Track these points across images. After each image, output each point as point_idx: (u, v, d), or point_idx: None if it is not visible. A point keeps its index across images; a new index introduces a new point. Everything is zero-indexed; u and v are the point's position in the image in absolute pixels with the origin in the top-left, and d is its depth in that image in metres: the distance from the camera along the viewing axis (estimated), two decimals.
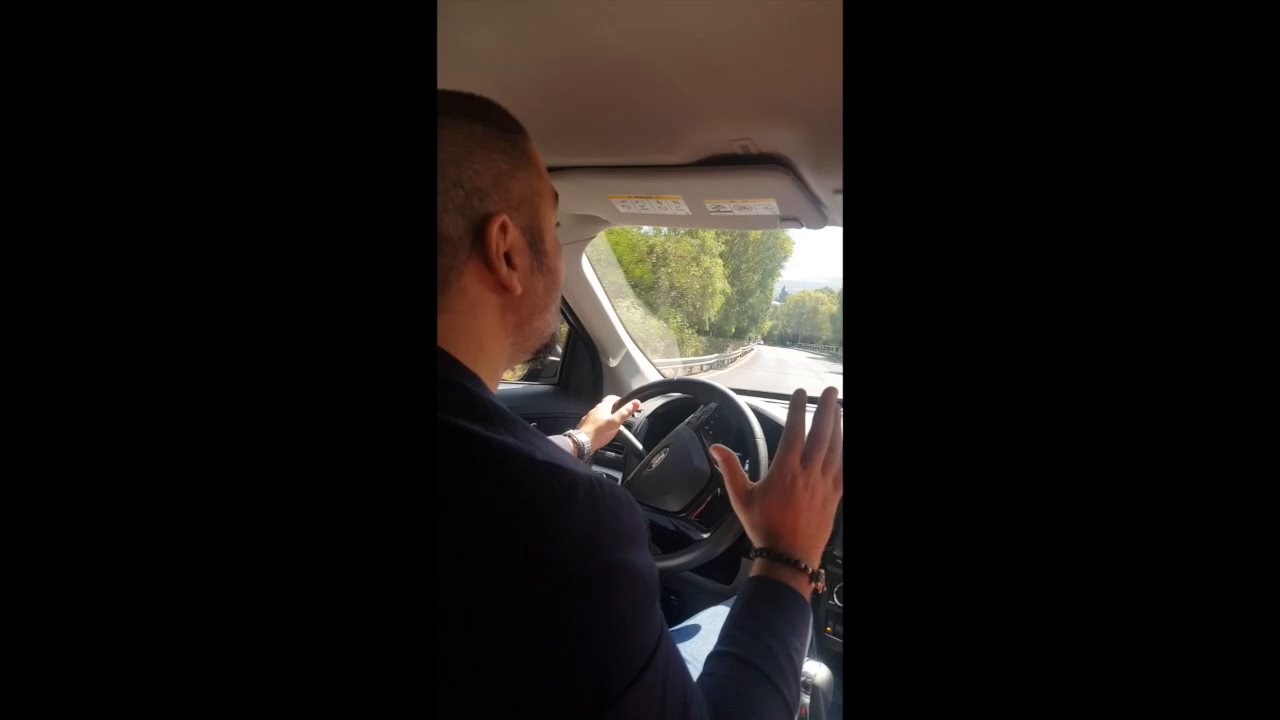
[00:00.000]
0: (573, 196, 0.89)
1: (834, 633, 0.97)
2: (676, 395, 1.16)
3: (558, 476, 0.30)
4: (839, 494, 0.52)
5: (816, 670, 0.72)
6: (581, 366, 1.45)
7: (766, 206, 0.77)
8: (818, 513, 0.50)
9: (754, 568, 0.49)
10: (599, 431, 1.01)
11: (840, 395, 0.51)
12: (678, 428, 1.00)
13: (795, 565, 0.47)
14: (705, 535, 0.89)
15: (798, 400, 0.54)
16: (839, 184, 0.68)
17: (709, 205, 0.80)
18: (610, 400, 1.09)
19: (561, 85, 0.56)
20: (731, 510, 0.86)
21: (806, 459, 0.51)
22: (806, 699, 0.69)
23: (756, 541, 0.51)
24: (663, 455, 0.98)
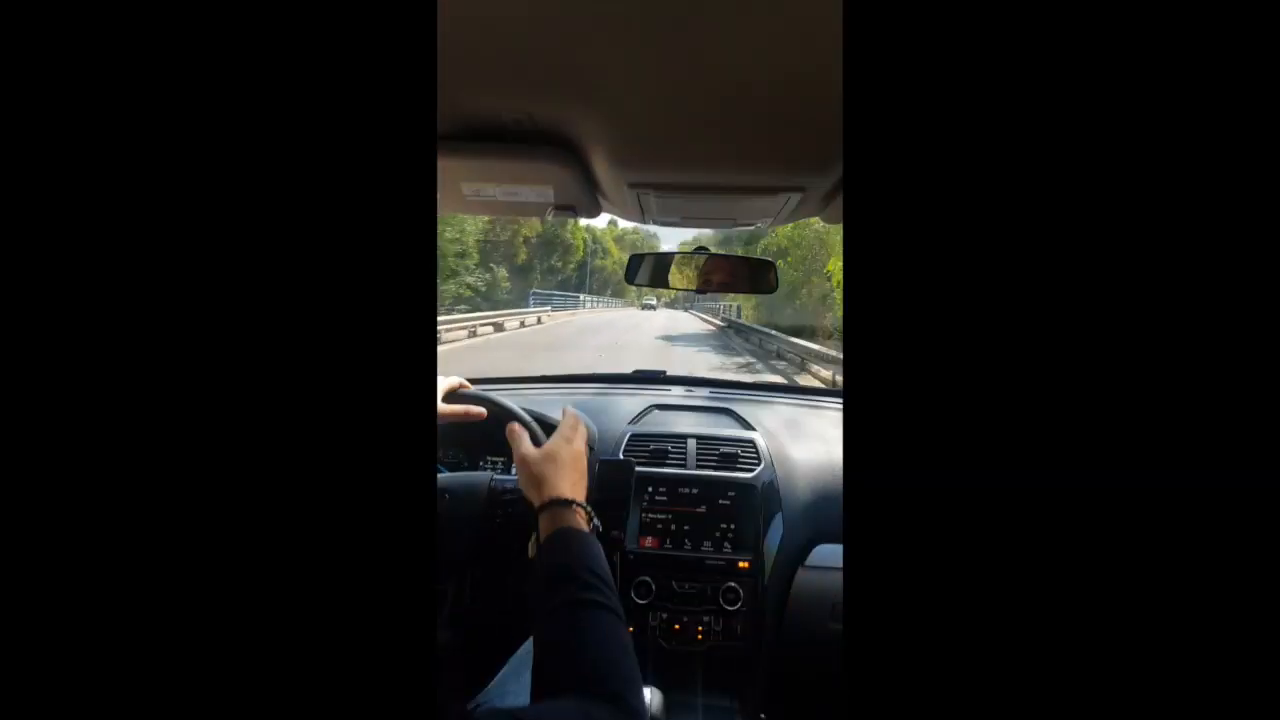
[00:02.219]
0: None
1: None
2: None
3: None
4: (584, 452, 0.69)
5: (651, 696, 0.69)
6: None
7: (540, 193, 0.65)
8: (579, 469, 0.65)
9: (542, 528, 0.58)
10: None
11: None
12: (476, 481, 0.80)
13: (574, 505, 0.59)
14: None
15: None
16: (637, 178, 0.60)
17: (466, 189, 0.64)
18: (450, 381, 0.82)
19: None
20: None
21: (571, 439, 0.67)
22: None
23: (540, 497, 0.60)
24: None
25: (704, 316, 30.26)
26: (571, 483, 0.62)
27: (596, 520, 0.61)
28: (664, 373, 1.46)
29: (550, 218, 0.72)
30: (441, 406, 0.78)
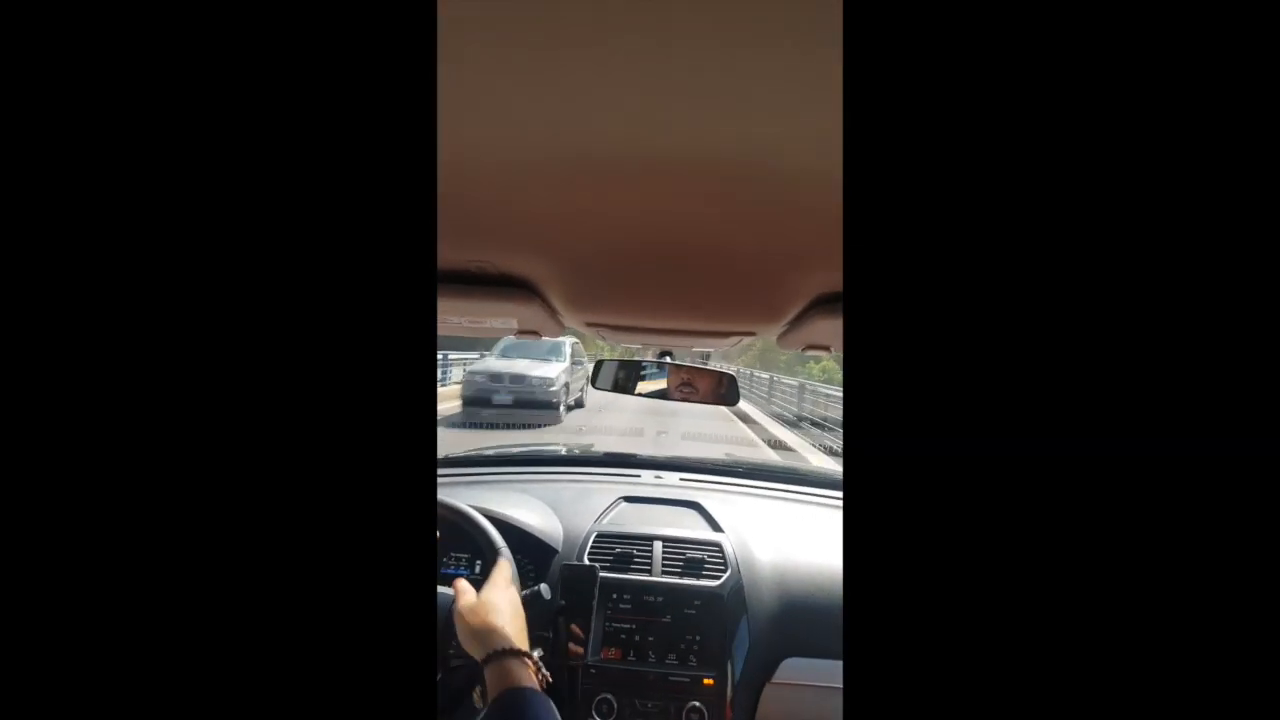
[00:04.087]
0: None
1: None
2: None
3: None
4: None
5: None
6: None
7: (504, 321, 0.68)
8: (517, 613, 0.64)
9: (489, 685, 0.54)
10: None
11: None
12: (439, 601, 0.79)
13: (519, 653, 0.57)
14: None
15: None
16: (592, 319, 0.63)
17: None
18: None
19: None
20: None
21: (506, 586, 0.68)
22: None
23: (485, 648, 0.58)
24: None
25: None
26: (516, 631, 0.60)
27: (545, 671, 0.58)
28: (635, 455, 1.44)
29: (515, 336, 0.75)
30: None
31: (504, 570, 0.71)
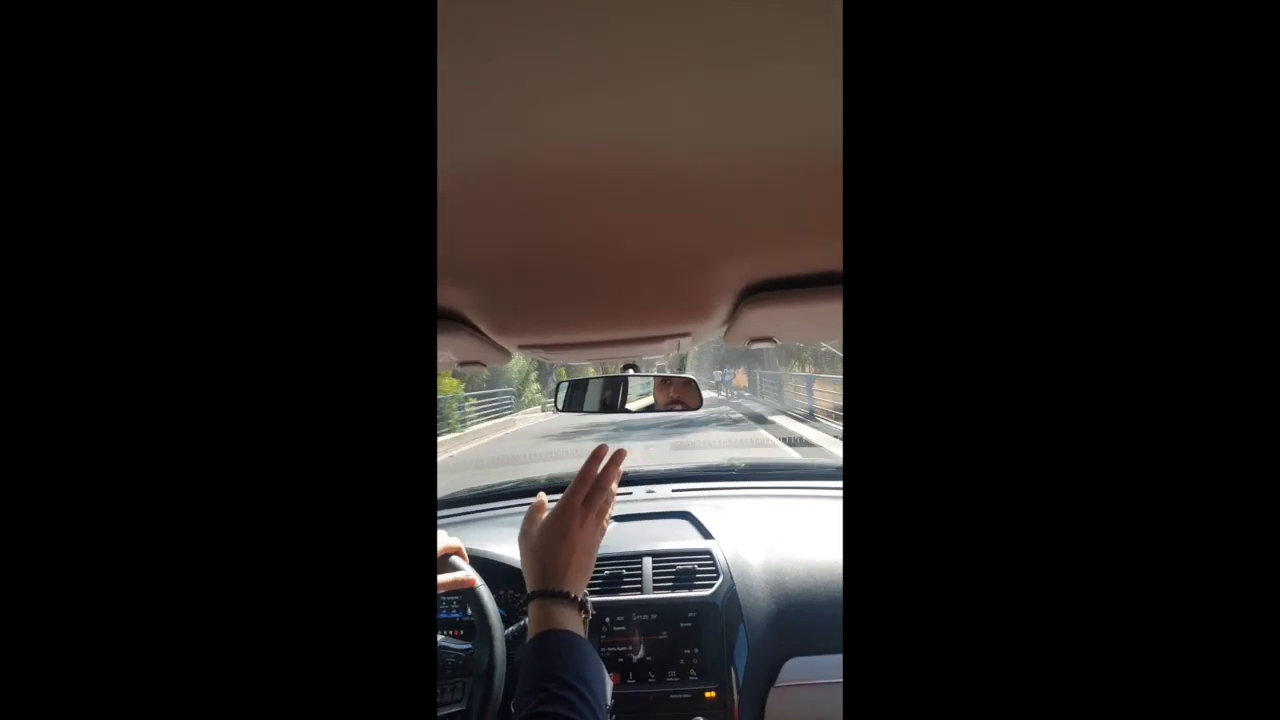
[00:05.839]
0: None
1: None
2: None
3: None
4: (601, 536, 0.64)
5: None
6: None
7: (441, 355, 0.64)
8: (588, 551, 0.60)
9: (530, 622, 0.55)
10: None
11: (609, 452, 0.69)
12: None
13: (566, 598, 0.55)
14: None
15: (596, 453, 0.68)
16: (524, 341, 0.60)
17: None
18: (447, 544, 0.82)
19: None
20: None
21: (589, 502, 0.63)
22: None
23: (531, 583, 0.58)
24: None
25: None
26: (577, 568, 0.57)
27: (592, 611, 0.57)
28: (625, 473, 1.42)
29: (458, 370, 0.71)
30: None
31: (603, 493, 0.65)
